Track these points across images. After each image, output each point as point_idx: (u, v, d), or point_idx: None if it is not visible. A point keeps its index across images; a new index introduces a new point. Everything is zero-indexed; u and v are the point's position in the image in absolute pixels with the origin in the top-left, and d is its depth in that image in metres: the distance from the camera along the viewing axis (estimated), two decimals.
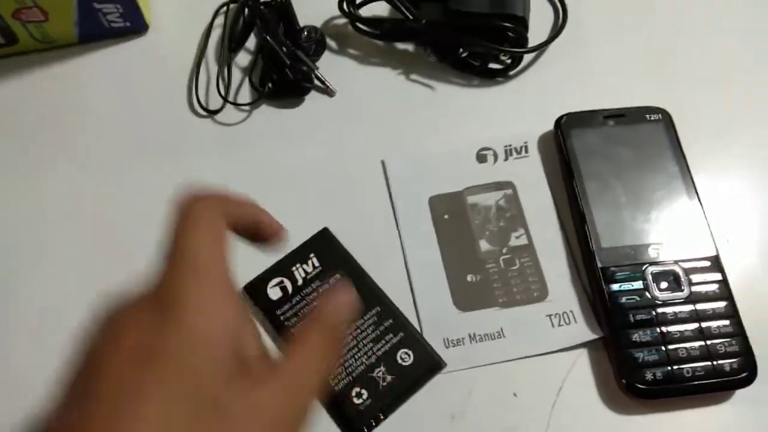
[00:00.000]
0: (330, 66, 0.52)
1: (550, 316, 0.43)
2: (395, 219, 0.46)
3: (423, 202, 0.47)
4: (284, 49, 0.51)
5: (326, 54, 0.53)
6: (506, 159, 0.49)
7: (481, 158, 0.49)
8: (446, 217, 0.46)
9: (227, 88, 0.51)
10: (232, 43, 0.53)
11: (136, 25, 0.54)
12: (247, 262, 0.43)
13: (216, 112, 0.51)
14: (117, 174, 0.49)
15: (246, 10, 0.53)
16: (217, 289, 0.28)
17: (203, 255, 0.28)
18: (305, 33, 0.52)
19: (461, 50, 0.51)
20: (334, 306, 0.31)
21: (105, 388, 0.26)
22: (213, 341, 0.27)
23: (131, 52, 0.55)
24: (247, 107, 0.51)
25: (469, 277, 0.45)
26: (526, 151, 0.49)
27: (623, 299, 0.43)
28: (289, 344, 0.29)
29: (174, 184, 0.32)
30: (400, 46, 0.53)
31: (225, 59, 0.53)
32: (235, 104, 0.51)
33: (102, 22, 0.53)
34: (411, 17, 0.50)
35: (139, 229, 0.42)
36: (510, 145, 0.49)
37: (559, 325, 0.43)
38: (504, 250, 0.45)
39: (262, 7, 0.53)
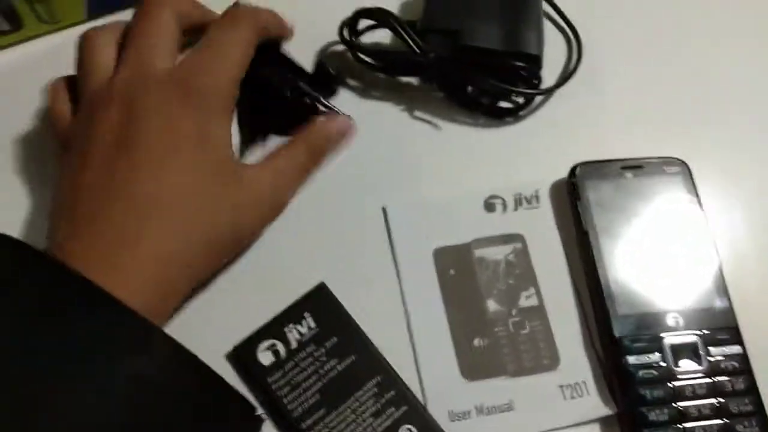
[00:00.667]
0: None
1: (562, 387, 0.40)
2: (397, 273, 0.43)
3: (427, 255, 0.43)
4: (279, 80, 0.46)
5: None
6: (516, 209, 0.45)
7: (489, 207, 0.45)
8: (452, 272, 0.43)
9: None
10: None
11: None
12: (235, 321, 0.39)
13: None
14: None
15: None
16: None
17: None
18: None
19: (470, 88, 0.47)
20: (325, 131, 0.42)
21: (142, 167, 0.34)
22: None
23: None
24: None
25: (476, 342, 0.41)
26: (537, 201, 0.45)
27: (640, 373, 0.40)
28: (278, 148, 0.40)
29: None
30: (404, 79, 0.49)
31: None
32: None
33: None
34: (418, 50, 0.46)
35: None
36: (520, 194, 0.45)
37: (572, 398, 0.40)
38: (513, 312, 0.42)
39: None
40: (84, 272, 0.29)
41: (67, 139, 0.38)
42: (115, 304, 0.28)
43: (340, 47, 0.49)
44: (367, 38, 0.49)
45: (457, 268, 0.43)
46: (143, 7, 0.38)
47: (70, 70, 0.46)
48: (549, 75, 0.49)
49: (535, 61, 0.47)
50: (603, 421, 0.40)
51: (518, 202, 0.45)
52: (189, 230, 0.34)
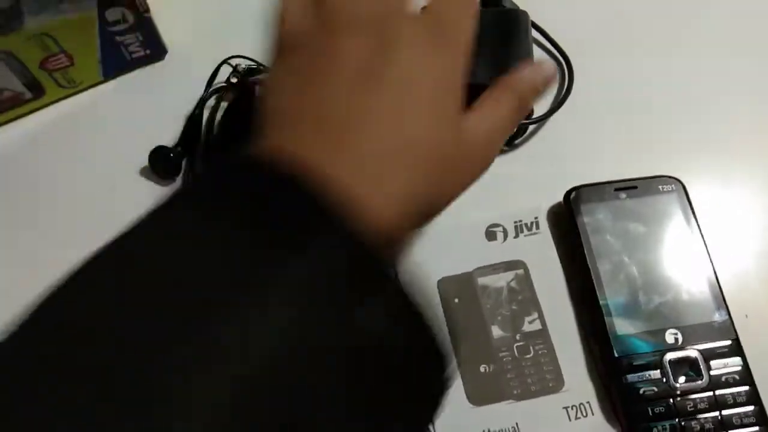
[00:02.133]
0: None
1: (566, 408, 0.41)
2: None
3: (431, 285, 0.45)
4: None
5: None
6: (516, 236, 0.46)
7: (490, 236, 0.46)
8: (456, 300, 0.44)
9: None
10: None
11: (155, 52, 0.53)
12: None
13: None
14: None
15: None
16: None
17: None
18: None
19: None
20: (532, 77, 0.36)
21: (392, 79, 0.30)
22: None
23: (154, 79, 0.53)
24: None
25: (482, 368, 0.42)
26: (537, 227, 0.46)
27: (641, 390, 0.41)
28: (486, 93, 0.34)
29: None
30: None
31: None
32: None
33: (124, 54, 0.51)
34: None
35: None
36: (520, 221, 0.47)
37: (576, 418, 0.41)
38: (518, 337, 0.43)
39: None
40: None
41: (294, 46, 0.34)
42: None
43: None
44: None
45: (460, 296, 0.44)
46: None
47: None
48: (542, 103, 0.50)
49: None
50: None
51: (519, 230, 0.46)
52: (423, 180, 0.30)
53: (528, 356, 0.43)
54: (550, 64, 0.41)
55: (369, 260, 0.25)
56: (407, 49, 0.31)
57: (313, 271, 0.23)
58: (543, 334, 0.43)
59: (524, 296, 0.44)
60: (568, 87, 0.51)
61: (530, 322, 0.44)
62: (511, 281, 0.45)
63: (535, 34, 0.52)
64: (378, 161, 0.29)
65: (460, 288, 0.45)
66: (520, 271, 0.45)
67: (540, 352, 0.43)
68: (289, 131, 0.29)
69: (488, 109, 0.35)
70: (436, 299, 0.44)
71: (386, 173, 0.29)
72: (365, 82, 0.31)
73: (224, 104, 0.50)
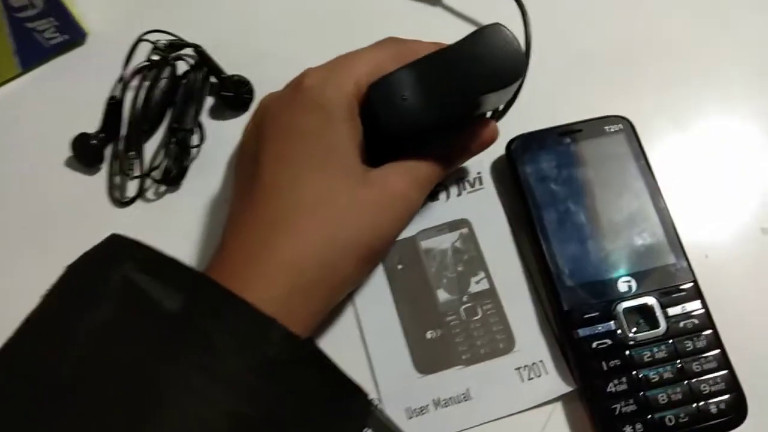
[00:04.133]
0: None
1: (519, 369, 0.39)
2: None
3: None
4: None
5: None
6: (459, 194, 0.43)
7: (432, 196, 0.43)
8: (400, 267, 0.41)
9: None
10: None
11: (74, 36, 0.49)
12: None
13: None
14: None
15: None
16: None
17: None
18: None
19: None
20: (468, 143, 0.39)
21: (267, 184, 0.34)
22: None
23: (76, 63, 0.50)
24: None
25: (428, 334, 0.40)
26: (481, 183, 0.43)
27: (594, 344, 0.38)
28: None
29: None
30: None
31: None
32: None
33: (40, 41, 0.48)
34: None
35: None
36: (463, 178, 0.43)
37: (530, 379, 0.38)
38: (464, 299, 0.40)
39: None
40: (220, 281, 0.29)
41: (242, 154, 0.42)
42: (238, 304, 0.28)
43: None
44: None
45: (404, 262, 0.41)
46: None
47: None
48: None
49: None
50: (566, 398, 0.38)
51: (462, 187, 0.43)
52: (325, 235, 0.33)
53: (476, 318, 0.40)
54: (492, 127, 0.40)
55: (248, 313, 0.28)
56: (278, 121, 0.36)
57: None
58: (491, 293, 0.40)
59: (470, 256, 0.41)
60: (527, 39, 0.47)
61: (477, 282, 0.41)
62: (455, 241, 0.42)
63: None
64: (253, 247, 0.33)
65: (404, 253, 0.42)
66: (465, 230, 0.42)
67: (488, 312, 0.40)
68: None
69: (412, 162, 0.37)
70: (380, 267, 0.41)
71: (262, 252, 0.32)
72: (251, 164, 0.36)
73: (146, 84, 0.47)
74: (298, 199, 0.33)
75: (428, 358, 0.39)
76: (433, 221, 0.42)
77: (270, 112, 0.37)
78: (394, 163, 0.36)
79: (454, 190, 0.43)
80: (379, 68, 0.35)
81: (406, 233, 0.42)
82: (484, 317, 0.40)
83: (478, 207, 0.43)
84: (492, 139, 0.40)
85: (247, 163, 0.37)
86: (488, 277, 0.41)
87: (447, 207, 0.43)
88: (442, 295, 0.40)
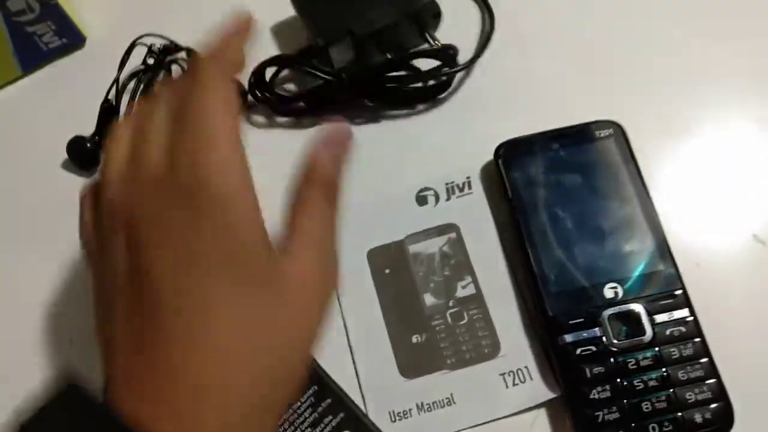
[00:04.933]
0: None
1: (503, 374, 0.38)
2: None
3: (361, 257, 0.41)
4: None
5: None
6: (448, 198, 0.43)
7: (421, 200, 0.43)
8: (387, 271, 0.41)
9: None
10: None
11: (73, 40, 0.50)
12: None
13: None
14: None
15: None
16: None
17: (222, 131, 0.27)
18: None
19: (389, 84, 0.45)
20: (325, 161, 0.30)
21: (171, 306, 0.26)
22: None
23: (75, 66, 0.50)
24: None
25: (414, 338, 0.39)
26: (470, 187, 0.43)
27: (578, 351, 0.37)
28: (295, 211, 0.29)
29: None
30: None
31: None
32: None
33: (39, 45, 0.48)
34: (330, 76, 0.43)
35: None
36: (452, 182, 0.43)
37: (514, 385, 0.38)
38: (451, 303, 0.40)
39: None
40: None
41: (90, 254, 0.31)
42: None
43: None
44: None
45: (392, 266, 0.41)
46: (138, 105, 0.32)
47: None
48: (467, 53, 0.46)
49: (434, 11, 0.45)
50: (550, 404, 0.38)
51: (451, 192, 0.43)
52: (239, 363, 0.26)
53: (462, 323, 0.39)
54: (337, 127, 0.32)
55: None
56: (161, 237, 0.26)
57: None
58: (477, 298, 0.40)
59: (457, 260, 0.41)
60: (490, 30, 0.47)
61: (464, 287, 0.40)
62: (443, 246, 0.41)
63: None
64: (159, 383, 0.25)
65: (391, 257, 0.41)
66: (453, 235, 0.42)
67: (474, 317, 0.40)
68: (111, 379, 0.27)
69: (307, 231, 0.29)
70: (366, 270, 0.41)
71: (169, 388, 0.25)
72: (132, 292, 0.27)
73: (141, 88, 0.47)
74: (214, 318, 0.26)
75: (413, 363, 0.39)
76: (422, 225, 0.42)
77: (134, 210, 0.28)
78: (296, 237, 0.29)
79: (443, 194, 0.43)
80: (229, 99, 0.28)
81: (395, 238, 0.42)
82: (470, 322, 0.39)
83: (467, 212, 0.42)
84: (342, 141, 0.31)
85: (115, 276, 0.28)
86: (475, 282, 0.40)
87: (435, 212, 0.42)
88: (429, 300, 0.40)
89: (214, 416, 0.25)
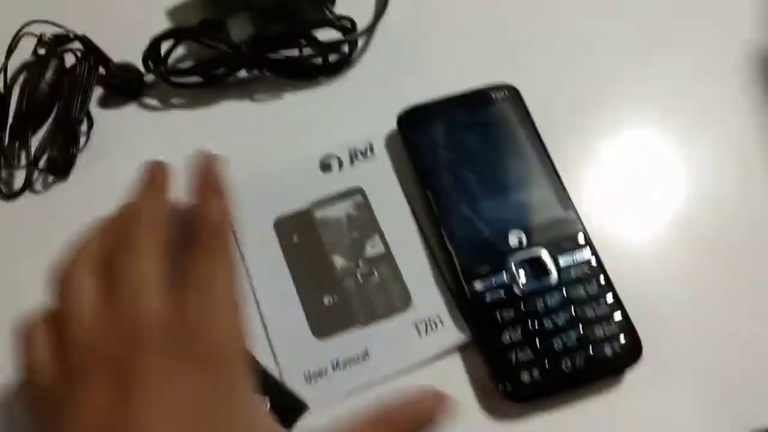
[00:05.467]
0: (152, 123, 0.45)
1: (416, 323, 0.38)
2: (239, 251, 0.40)
3: (268, 228, 0.41)
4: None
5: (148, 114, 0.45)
6: (352, 163, 0.43)
7: (324, 167, 0.42)
8: (295, 239, 0.40)
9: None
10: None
11: None
12: None
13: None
14: None
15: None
16: None
17: None
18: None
19: (289, 56, 0.45)
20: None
21: None
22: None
23: None
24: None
25: (326, 300, 0.38)
26: (372, 152, 0.43)
27: (487, 297, 0.37)
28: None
29: None
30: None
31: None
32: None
33: None
34: (227, 48, 0.43)
35: None
36: (354, 148, 0.43)
37: (427, 333, 0.38)
38: (360, 263, 0.39)
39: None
40: None
41: (43, 401, 0.28)
42: None
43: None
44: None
45: (299, 233, 0.40)
46: (117, 224, 0.30)
47: None
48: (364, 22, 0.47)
49: None
50: (465, 351, 0.37)
51: (354, 156, 0.43)
52: None
53: (372, 280, 0.39)
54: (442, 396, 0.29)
55: None
56: (151, 394, 0.25)
57: None
58: (386, 256, 0.40)
59: (364, 222, 0.41)
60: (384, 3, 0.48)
61: (372, 247, 0.40)
62: (349, 210, 0.41)
63: None
64: None
65: (298, 225, 0.41)
66: (358, 198, 0.41)
67: (384, 274, 0.39)
68: None
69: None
70: (275, 241, 0.40)
71: None
72: None
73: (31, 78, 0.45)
74: None
75: (325, 323, 0.38)
76: (327, 191, 0.42)
77: (124, 352, 0.26)
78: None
79: (346, 160, 0.43)
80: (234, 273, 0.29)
81: (299, 206, 0.41)
82: (380, 279, 0.39)
83: (371, 176, 0.42)
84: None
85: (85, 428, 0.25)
86: (383, 241, 0.40)
87: (340, 177, 0.42)
88: (338, 261, 0.39)
89: None
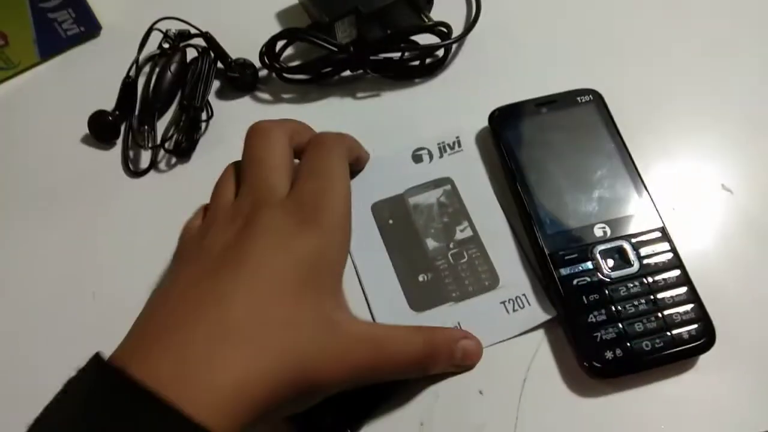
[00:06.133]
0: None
1: (504, 302, 0.40)
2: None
3: (366, 211, 0.44)
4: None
5: (261, 107, 0.50)
6: (441, 156, 0.46)
7: (417, 159, 0.46)
8: (391, 221, 0.43)
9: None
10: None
11: (90, 28, 0.52)
12: None
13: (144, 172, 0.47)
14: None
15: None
16: None
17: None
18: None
19: (394, 56, 0.48)
20: (455, 348, 0.37)
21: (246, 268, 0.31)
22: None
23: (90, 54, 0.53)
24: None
25: (420, 278, 0.41)
26: (459, 146, 0.46)
27: (575, 282, 0.39)
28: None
29: None
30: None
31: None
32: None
33: (59, 32, 0.50)
34: (335, 48, 0.47)
35: None
36: (443, 142, 0.46)
37: (514, 310, 0.40)
38: (451, 245, 0.42)
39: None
40: (148, 384, 0.25)
41: (182, 251, 0.38)
42: (170, 412, 0.24)
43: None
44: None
45: (394, 217, 0.43)
46: (257, 130, 0.37)
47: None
48: (458, 28, 0.51)
49: None
50: (550, 331, 0.40)
51: (442, 150, 0.46)
52: (269, 366, 0.28)
53: (463, 261, 0.42)
54: (479, 345, 0.39)
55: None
56: (262, 239, 0.31)
57: None
58: (475, 239, 0.42)
59: (454, 208, 0.44)
60: (477, 8, 0.51)
61: (461, 231, 0.43)
62: (440, 197, 0.44)
63: None
64: (205, 351, 0.27)
65: (393, 209, 0.44)
66: (448, 187, 0.44)
67: (474, 255, 0.42)
68: (128, 341, 0.29)
69: (386, 333, 0.35)
70: (372, 222, 0.43)
71: (216, 362, 0.27)
72: (220, 267, 0.30)
73: (158, 69, 0.49)
74: (252, 322, 0.28)
75: (421, 298, 0.41)
76: (419, 180, 0.45)
77: (262, 213, 0.33)
78: (376, 327, 0.37)
79: (435, 153, 0.46)
80: (347, 169, 0.39)
81: (395, 192, 0.44)
82: (469, 260, 0.42)
83: (460, 167, 0.45)
84: (472, 358, 0.39)
85: (209, 253, 0.32)
86: (471, 226, 0.43)
87: (431, 168, 0.45)
88: (431, 244, 0.42)
89: (240, 361, 0.27)
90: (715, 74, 0.49)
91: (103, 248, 0.44)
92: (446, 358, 0.37)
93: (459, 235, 0.42)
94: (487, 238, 0.42)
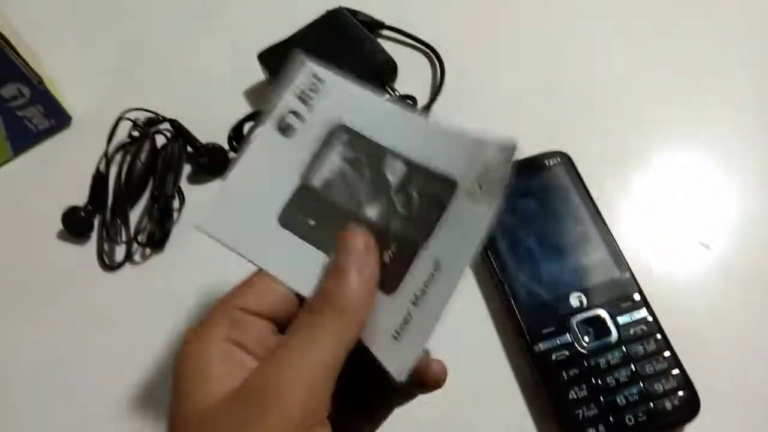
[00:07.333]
0: None
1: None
2: None
3: (276, 231, 0.38)
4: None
5: None
6: (307, 104, 0.43)
7: (286, 130, 0.41)
8: (312, 222, 0.37)
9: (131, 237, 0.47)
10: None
11: (60, 120, 0.51)
12: None
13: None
14: None
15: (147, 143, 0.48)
16: None
17: None
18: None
19: None
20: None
21: None
22: None
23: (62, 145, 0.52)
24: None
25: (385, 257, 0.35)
26: (321, 81, 0.44)
27: (553, 357, 0.39)
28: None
29: None
30: None
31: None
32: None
33: (30, 127, 0.50)
34: None
35: None
36: (299, 89, 0.44)
37: None
38: (392, 194, 0.36)
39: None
40: None
41: None
42: None
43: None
44: None
45: (311, 214, 0.30)
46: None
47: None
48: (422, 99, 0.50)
49: (391, 66, 0.49)
50: (536, 409, 0.39)
51: (306, 99, 0.43)
52: None
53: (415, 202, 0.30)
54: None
55: None
56: None
57: None
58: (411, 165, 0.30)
59: (365, 152, 0.31)
60: (441, 77, 0.50)
61: (392, 173, 0.31)
62: (342, 153, 0.31)
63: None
64: None
65: (304, 206, 0.30)
66: (343, 135, 0.34)
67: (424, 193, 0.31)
68: None
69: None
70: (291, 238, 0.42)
71: None
72: None
73: (129, 158, 0.48)
74: None
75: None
76: (307, 152, 0.39)
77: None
78: None
79: (300, 108, 0.42)
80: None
81: (291, 186, 0.26)
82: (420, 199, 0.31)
83: (343, 102, 0.38)
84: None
85: None
86: (401, 158, 0.32)
87: (307, 127, 0.38)
88: (371, 212, 0.30)
89: None
90: (685, 128, 0.48)
91: (81, 344, 0.43)
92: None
93: (393, 179, 0.31)
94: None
